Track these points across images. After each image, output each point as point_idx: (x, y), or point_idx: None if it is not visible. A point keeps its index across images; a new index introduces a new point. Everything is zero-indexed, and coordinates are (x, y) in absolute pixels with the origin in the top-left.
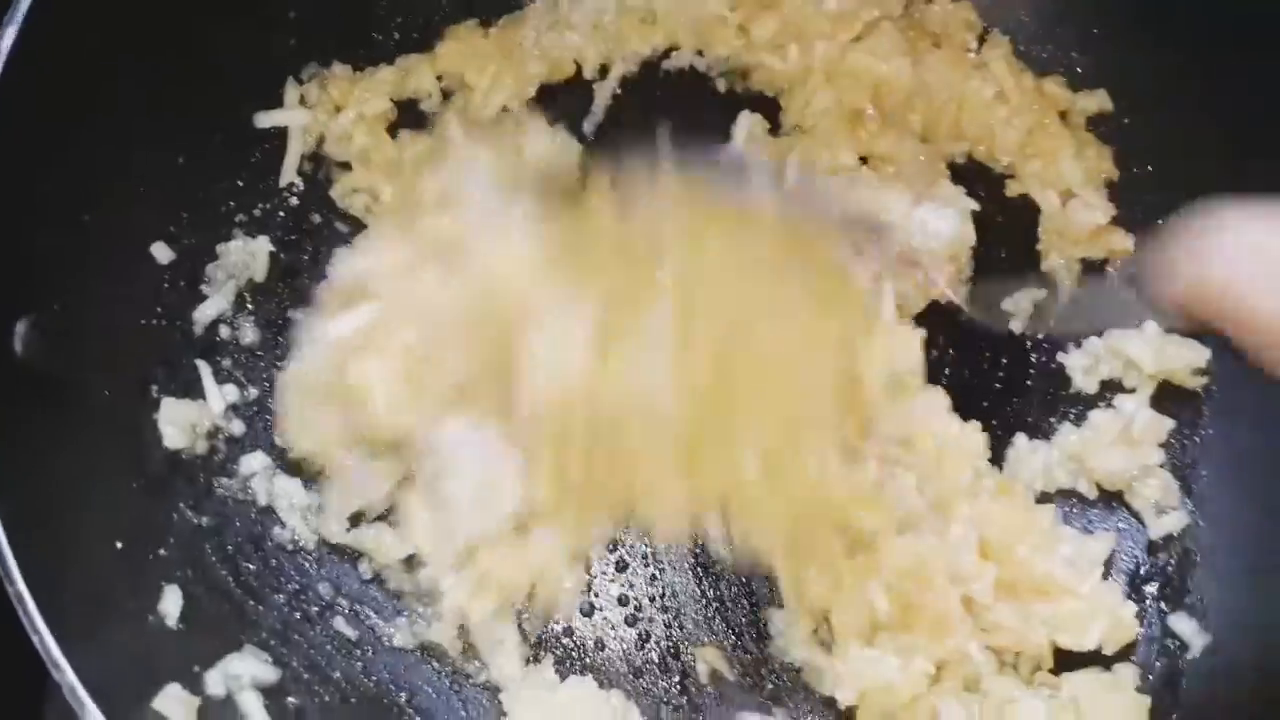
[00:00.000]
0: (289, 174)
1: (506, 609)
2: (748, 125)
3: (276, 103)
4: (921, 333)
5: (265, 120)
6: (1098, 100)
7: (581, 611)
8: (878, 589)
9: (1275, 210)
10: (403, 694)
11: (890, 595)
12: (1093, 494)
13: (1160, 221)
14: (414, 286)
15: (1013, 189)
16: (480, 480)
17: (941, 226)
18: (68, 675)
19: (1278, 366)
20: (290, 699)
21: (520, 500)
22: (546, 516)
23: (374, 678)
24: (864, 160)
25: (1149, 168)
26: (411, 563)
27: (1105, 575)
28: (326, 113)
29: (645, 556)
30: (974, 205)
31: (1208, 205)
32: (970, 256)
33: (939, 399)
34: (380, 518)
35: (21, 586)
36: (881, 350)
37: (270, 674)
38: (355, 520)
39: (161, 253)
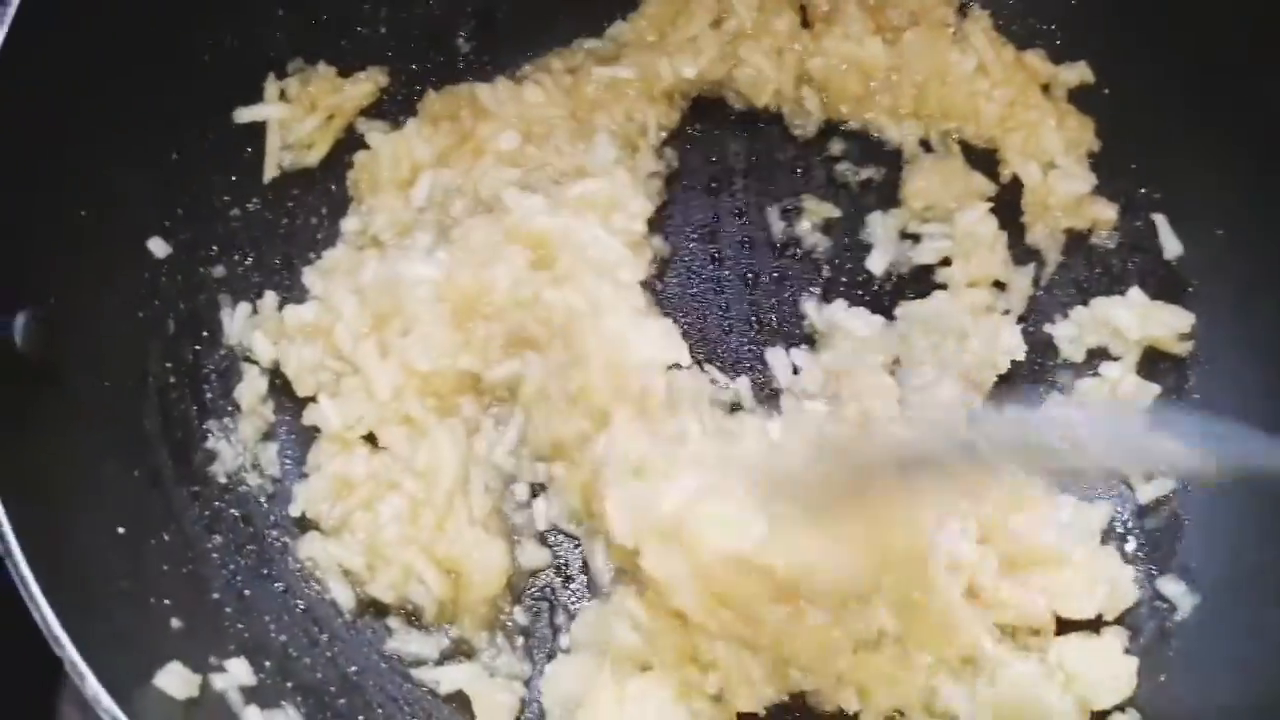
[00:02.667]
0: (270, 169)
1: None
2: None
3: (261, 99)
4: None
5: (245, 115)
6: (1079, 72)
7: None
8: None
9: None
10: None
11: (892, 606)
12: None
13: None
14: None
15: (1004, 173)
16: None
17: None
18: (68, 650)
19: None
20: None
21: None
22: None
23: (352, 667)
24: None
25: (1130, 138)
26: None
27: (1102, 542)
28: (304, 109)
29: None
30: None
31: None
32: None
33: None
34: None
35: (25, 569)
36: None
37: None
38: None
39: (158, 247)
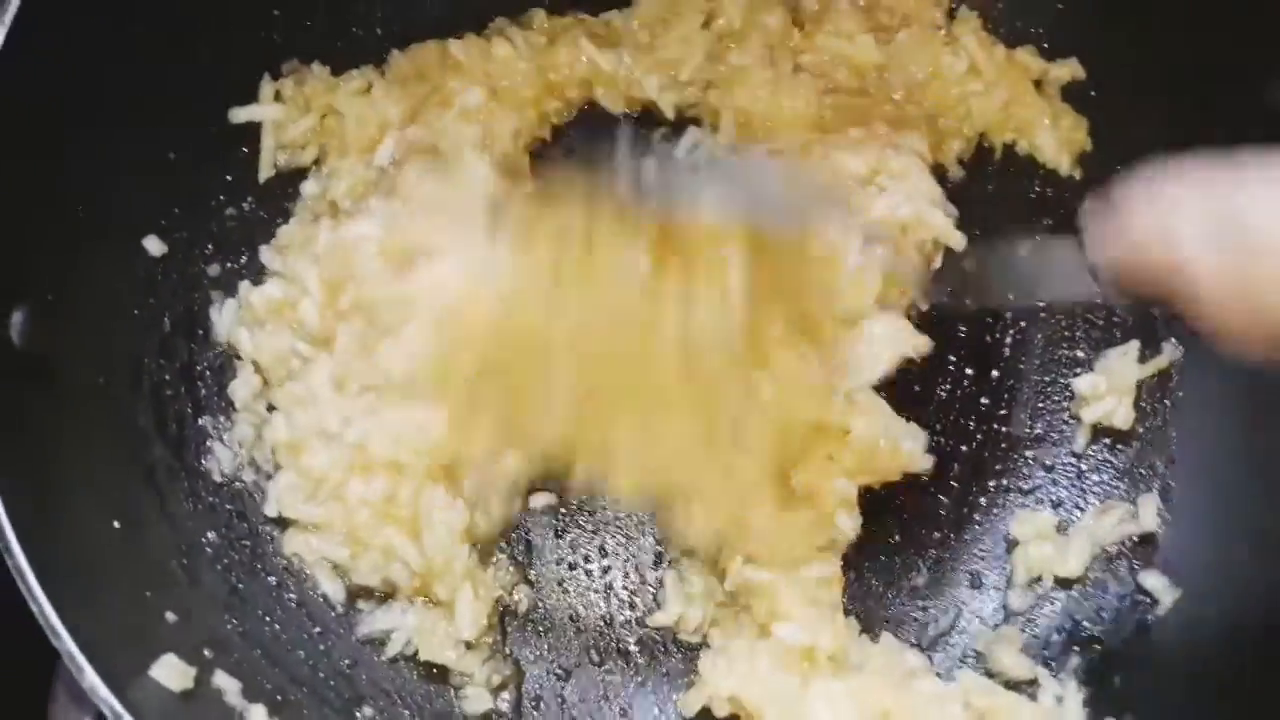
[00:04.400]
0: (266, 169)
1: None
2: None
3: (256, 99)
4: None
5: (240, 115)
6: (1070, 69)
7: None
8: None
9: (1222, 170)
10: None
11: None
12: None
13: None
14: None
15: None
16: None
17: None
18: (66, 642)
19: (1216, 334)
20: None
21: None
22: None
23: (342, 661)
24: None
25: (1119, 137)
26: None
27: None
28: (299, 110)
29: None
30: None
31: (1153, 164)
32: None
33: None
34: None
35: (21, 559)
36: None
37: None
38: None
39: (154, 245)
